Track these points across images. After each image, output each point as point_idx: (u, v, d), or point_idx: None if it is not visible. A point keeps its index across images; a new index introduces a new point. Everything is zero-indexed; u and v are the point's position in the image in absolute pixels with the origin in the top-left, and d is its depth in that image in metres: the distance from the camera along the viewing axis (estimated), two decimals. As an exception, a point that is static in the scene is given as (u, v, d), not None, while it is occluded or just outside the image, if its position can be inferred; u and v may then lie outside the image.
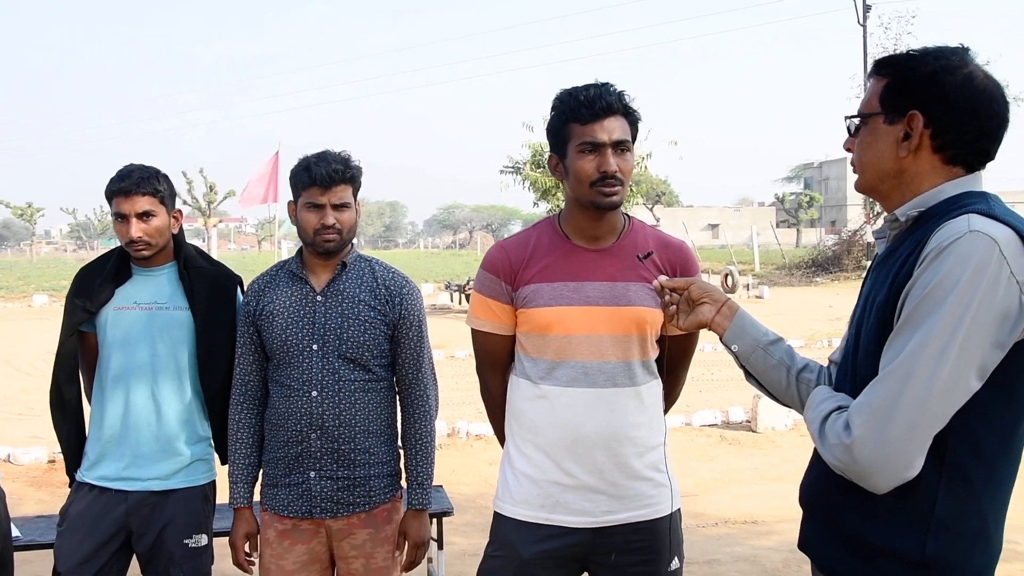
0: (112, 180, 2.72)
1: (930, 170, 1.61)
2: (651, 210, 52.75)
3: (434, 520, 4.10)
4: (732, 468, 6.76)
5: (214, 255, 20.47)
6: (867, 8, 28.08)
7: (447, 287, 22.00)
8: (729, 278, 22.57)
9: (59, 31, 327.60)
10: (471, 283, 20.58)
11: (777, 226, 52.89)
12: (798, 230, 57.24)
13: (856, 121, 1.71)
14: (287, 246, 19.66)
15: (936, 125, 1.58)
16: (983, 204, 1.52)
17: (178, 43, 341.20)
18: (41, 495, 6.21)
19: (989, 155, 1.62)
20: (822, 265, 30.34)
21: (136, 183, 2.68)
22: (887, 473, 1.47)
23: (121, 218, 2.70)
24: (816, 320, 16.22)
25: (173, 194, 2.81)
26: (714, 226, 64.53)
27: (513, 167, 21.95)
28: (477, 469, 6.75)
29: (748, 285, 24.52)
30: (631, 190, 17.77)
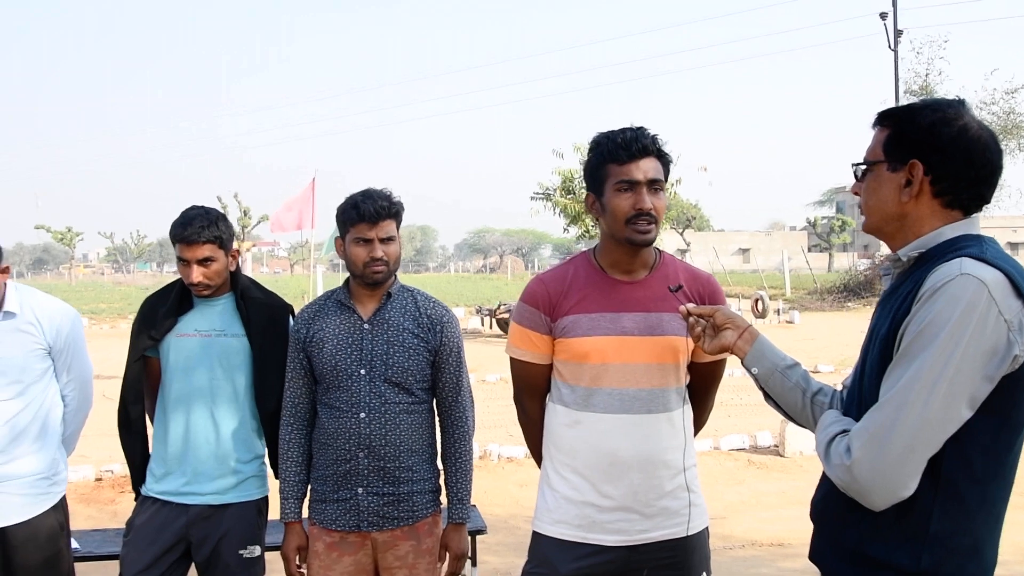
0: (176, 225, 2.90)
1: (930, 214, 1.77)
2: (681, 235, 52.76)
3: (469, 538, 4.25)
4: (759, 492, 6.85)
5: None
6: (898, 33, 28.02)
7: (478, 311, 22.20)
8: (759, 303, 22.54)
9: (96, 55, 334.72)
10: (502, 307, 20.59)
11: (809, 250, 52.63)
12: (830, 254, 56.90)
13: (862, 167, 1.87)
14: (321, 270, 19.98)
15: (935, 173, 1.74)
16: (976, 248, 1.68)
17: (214, 71, 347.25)
18: (90, 511, 6.46)
19: (984, 199, 1.78)
20: (854, 290, 30.14)
21: (198, 231, 2.86)
22: (883, 492, 1.62)
23: (183, 262, 2.89)
24: (847, 345, 16.17)
25: (232, 235, 3.00)
26: (745, 251, 64.33)
27: (543, 193, 22.16)
28: (508, 491, 6.89)
29: (779, 310, 24.46)
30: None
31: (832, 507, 1.82)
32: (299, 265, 70.37)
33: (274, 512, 2.97)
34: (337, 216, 2.82)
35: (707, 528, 2.49)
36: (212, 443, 2.92)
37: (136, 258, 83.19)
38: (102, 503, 6.68)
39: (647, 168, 2.34)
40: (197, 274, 2.88)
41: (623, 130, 2.37)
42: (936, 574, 1.66)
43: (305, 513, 2.88)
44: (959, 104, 1.79)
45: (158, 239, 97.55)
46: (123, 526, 4.65)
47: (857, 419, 1.71)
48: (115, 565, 3.83)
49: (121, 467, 7.30)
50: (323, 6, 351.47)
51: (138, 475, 3.02)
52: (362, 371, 2.74)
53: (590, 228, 21.19)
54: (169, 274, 76.25)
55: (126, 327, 23.56)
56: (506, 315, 19.67)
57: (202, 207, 2.98)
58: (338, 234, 2.86)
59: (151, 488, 2.96)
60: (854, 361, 1.92)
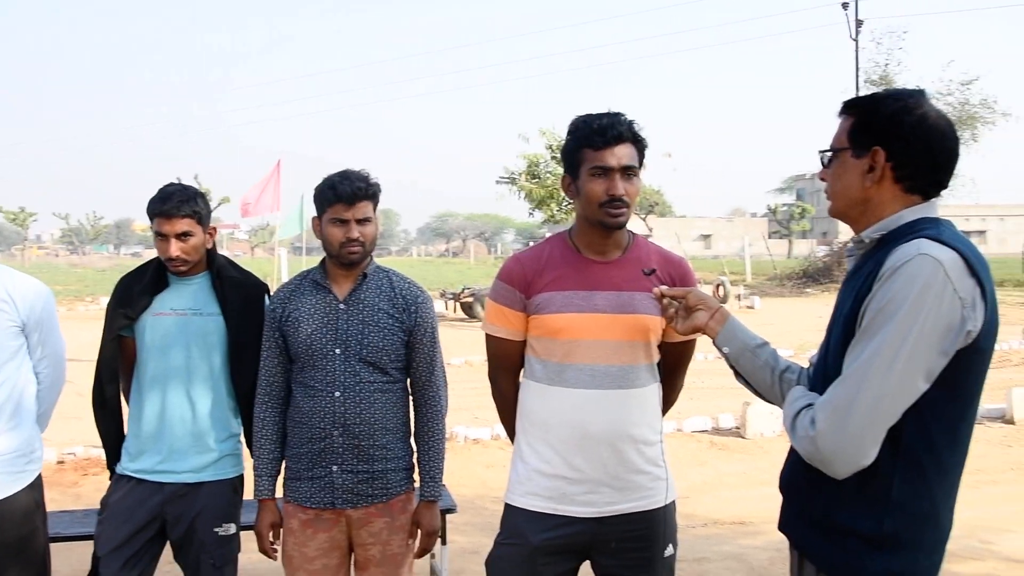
0: (154, 200, 2.92)
1: (891, 198, 1.85)
2: (644, 220, 53.13)
3: (440, 515, 4.31)
4: (721, 472, 6.98)
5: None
6: (859, 24, 28.44)
7: (442, 295, 22.17)
8: (720, 288, 22.82)
9: (50, 35, 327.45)
10: (466, 291, 20.52)
11: (769, 237, 53.30)
12: (790, 241, 57.62)
13: (828, 154, 1.95)
14: (283, 252, 19.83)
15: (896, 159, 1.83)
16: (934, 230, 1.76)
17: (172, 51, 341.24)
18: (52, 494, 6.34)
19: (942, 184, 1.87)
20: (813, 276, 30.66)
21: (176, 206, 2.88)
22: (845, 461, 1.71)
23: (161, 237, 2.90)
24: (806, 330, 16.43)
25: (209, 212, 3.01)
26: (706, 236, 64.96)
27: (509, 178, 22.16)
28: (475, 472, 6.96)
29: (740, 295, 24.75)
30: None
31: (799, 479, 1.91)
32: (259, 248, 69.69)
33: (249, 491, 3.00)
34: (314, 196, 2.84)
35: (674, 502, 2.57)
36: (188, 422, 2.94)
37: (92, 240, 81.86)
38: (64, 486, 6.63)
39: (621, 154, 2.39)
40: (175, 248, 2.89)
41: (600, 115, 2.42)
42: (897, 538, 1.76)
43: (280, 492, 2.92)
44: (919, 94, 1.87)
45: (115, 220, 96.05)
46: (88, 508, 4.67)
47: (822, 394, 1.79)
48: (82, 546, 3.84)
49: (84, 449, 7.26)
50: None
51: (113, 454, 3.03)
52: (337, 350, 2.77)
53: (555, 213, 21.26)
54: (126, 256, 75.11)
55: (84, 309, 23.21)
56: (470, 299, 19.68)
57: (180, 183, 3.00)
58: (315, 214, 2.88)
59: (126, 466, 2.98)
60: (813, 345, 2.01)
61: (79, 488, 6.57)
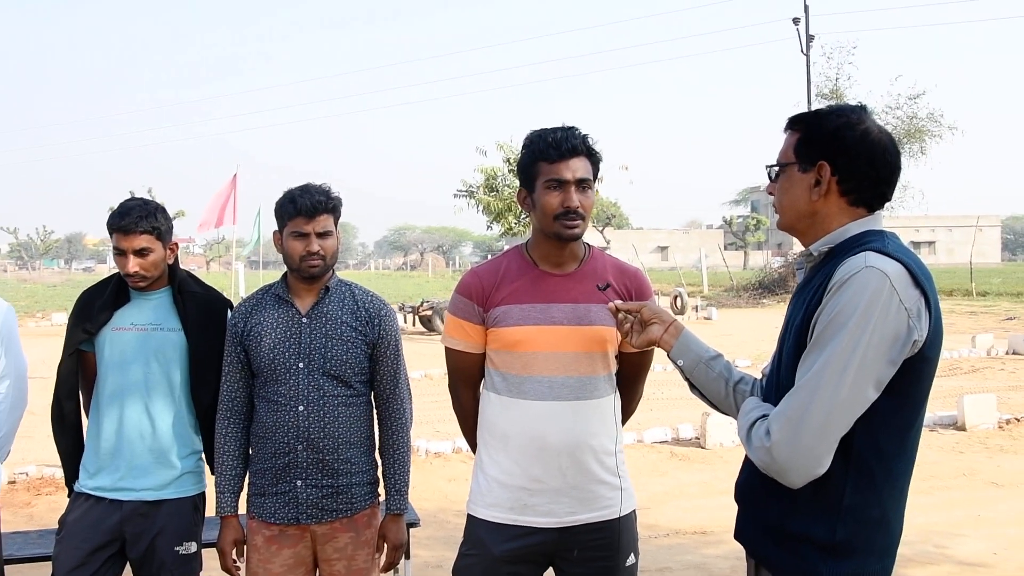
0: (113, 215, 2.90)
1: (838, 211, 1.91)
2: (601, 232, 53.51)
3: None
4: (682, 482, 7.05)
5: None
6: (810, 39, 29.01)
7: (401, 308, 22.10)
8: (678, 300, 23.07)
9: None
10: (424, 304, 20.44)
11: (725, 248, 53.97)
12: (745, 252, 58.34)
13: (775, 169, 2.01)
14: (239, 267, 19.64)
15: (841, 173, 1.89)
16: (879, 242, 1.82)
17: (128, 61, 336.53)
18: (4, 515, 6.25)
19: (886, 197, 1.93)
20: (769, 287, 31.05)
21: (135, 221, 2.86)
22: (801, 471, 1.76)
23: (120, 252, 2.89)
24: (763, 340, 16.67)
25: (170, 228, 3.00)
26: (663, 248, 65.49)
27: (467, 191, 22.21)
28: (437, 486, 6.95)
29: (697, 307, 25.02)
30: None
31: (754, 488, 1.95)
32: (215, 262, 68.84)
33: (211, 509, 2.97)
34: (275, 210, 2.85)
35: (635, 511, 2.61)
36: (148, 438, 2.91)
37: (42, 255, 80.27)
38: (16, 506, 6.50)
39: (576, 167, 2.44)
40: (133, 264, 2.87)
41: (554, 129, 2.47)
42: (849, 544, 1.81)
43: (243, 509, 2.90)
44: (861, 109, 1.94)
45: (65, 235, 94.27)
46: (42, 528, 4.58)
47: (776, 404, 1.83)
48: (36, 567, 3.77)
49: (36, 468, 7.12)
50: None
51: (71, 472, 2.99)
52: (300, 364, 2.77)
53: (512, 226, 21.35)
54: (78, 271, 73.66)
55: (34, 326, 22.86)
56: (429, 312, 19.64)
57: (140, 198, 2.98)
58: (276, 228, 2.88)
59: (84, 484, 2.94)
60: (770, 355, 2.05)
61: (32, 508, 6.45)
